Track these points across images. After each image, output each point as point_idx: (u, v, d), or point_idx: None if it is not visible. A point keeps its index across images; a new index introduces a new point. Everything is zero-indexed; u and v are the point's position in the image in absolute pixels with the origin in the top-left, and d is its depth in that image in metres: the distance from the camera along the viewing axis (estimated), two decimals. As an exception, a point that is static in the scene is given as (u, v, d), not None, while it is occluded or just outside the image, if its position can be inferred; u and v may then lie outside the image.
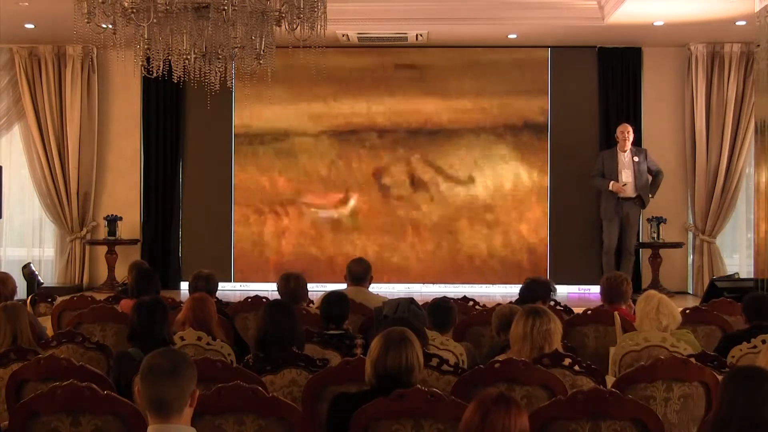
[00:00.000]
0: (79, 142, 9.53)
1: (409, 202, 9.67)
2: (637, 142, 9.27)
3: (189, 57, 5.69)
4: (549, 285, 5.46)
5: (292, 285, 5.44)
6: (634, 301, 5.10)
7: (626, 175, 8.82)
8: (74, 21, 5.36)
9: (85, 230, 9.62)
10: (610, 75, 9.51)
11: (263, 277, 9.44)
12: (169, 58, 5.75)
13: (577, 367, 3.78)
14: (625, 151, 8.89)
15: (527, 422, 2.54)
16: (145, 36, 5.62)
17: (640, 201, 8.88)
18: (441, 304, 4.74)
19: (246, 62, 5.87)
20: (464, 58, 9.59)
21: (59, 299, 6.01)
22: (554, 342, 3.89)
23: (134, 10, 5.21)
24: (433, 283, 9.47)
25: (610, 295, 5.37)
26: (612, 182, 8.79)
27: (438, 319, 4.56)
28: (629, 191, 8.82)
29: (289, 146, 9.72)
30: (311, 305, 5.55)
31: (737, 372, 2.80)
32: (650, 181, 8.91)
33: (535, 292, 5.29)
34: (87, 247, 9.66)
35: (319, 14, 5.54)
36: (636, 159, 8.85)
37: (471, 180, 9.66)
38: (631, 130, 8.92)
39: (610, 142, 9.12)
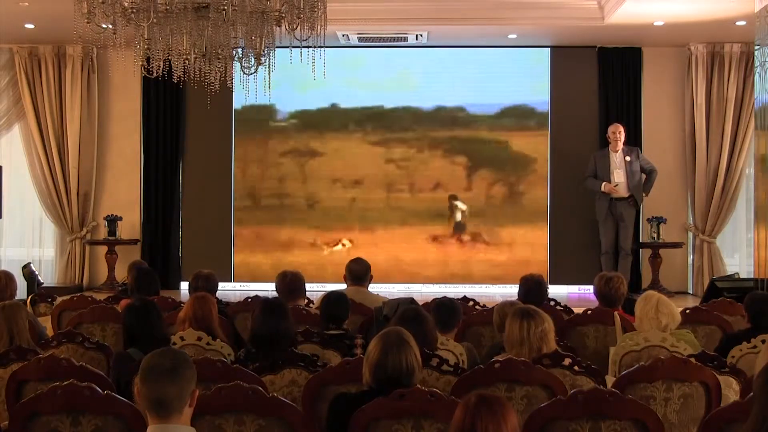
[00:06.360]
0: (79, 142, 9.53)
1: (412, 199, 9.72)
2: (636, 142, 9.28)
3: (189, 57, 5.69)
4: (543, 283, 5.44)
5: (288, 280, 5.45)
6: (630, 302, 5.08)
7: (618, 175, 8.82)
8: (74, 21, 5.37)
9: (85, 230, 9.62)
10: (610, 75, 9.50)
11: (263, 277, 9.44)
12: (169, 58, 5.74)
13: (577, 367, 3.77)
14: (617, 151, 8.89)
15: (515, 418, 2.47)
16: (145, 36, 5.62)
17: (634, 201, 8.87)
18: (446, 303, 4.70)
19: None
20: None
21: (59, 299, 6.02)
22: (550, 341, 3.88)
23: (134, 10, 5.21)
24: (433, 283, 9.47)
25: (606, 300, 5.35)
26: (604, 183, 8.79)
27: (443, 318, 4.54)
28: (622, 191, 8.82)
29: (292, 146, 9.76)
30: (311, 305, 5.55)
31: None
32: (644, 180, 8.91)
33: (534, 290, 5.28)
34: (87, 247, 9.66)
35: (319, 14, 5.54)
36: (628, 158, 8.85)
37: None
38: (622, 129, 8.92)
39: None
